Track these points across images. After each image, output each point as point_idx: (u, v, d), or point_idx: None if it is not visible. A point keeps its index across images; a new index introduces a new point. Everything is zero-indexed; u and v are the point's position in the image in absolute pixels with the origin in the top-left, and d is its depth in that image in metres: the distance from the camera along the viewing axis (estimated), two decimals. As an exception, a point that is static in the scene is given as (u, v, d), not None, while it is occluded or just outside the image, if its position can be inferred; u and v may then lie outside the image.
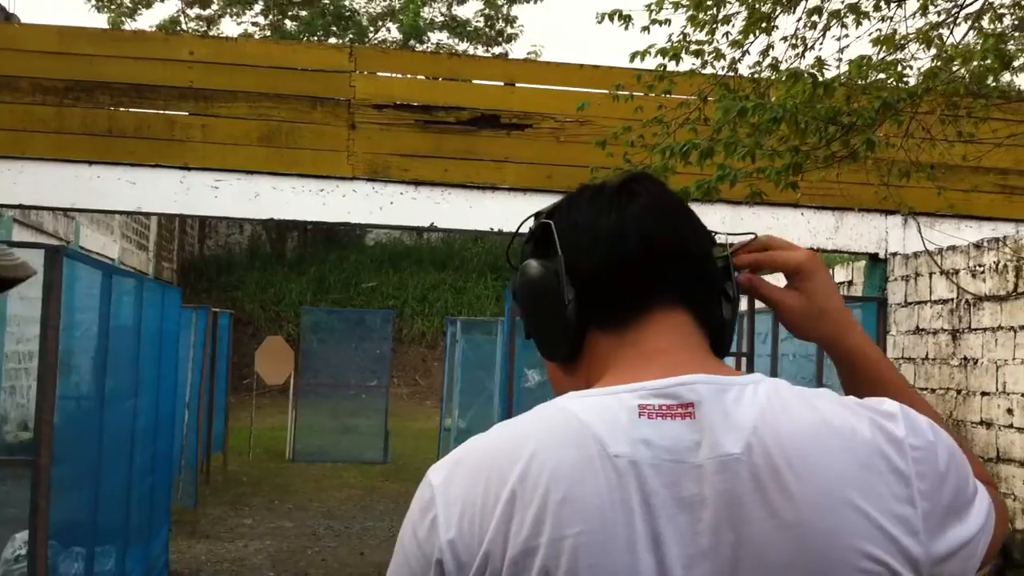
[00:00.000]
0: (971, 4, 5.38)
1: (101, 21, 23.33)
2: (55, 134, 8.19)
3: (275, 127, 8.43)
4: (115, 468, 5.89)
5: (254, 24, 24.23)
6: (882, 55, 5.40)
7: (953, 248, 7.94)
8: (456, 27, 24.21)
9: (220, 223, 24.34)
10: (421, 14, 23.27)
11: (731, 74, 5.96)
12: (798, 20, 5.88)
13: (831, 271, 7.61)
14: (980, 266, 7.55)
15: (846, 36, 5.76)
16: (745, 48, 5.84)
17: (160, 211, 8.89)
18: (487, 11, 24.16)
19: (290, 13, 24.25)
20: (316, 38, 22.88)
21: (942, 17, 5.37)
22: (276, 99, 8.46)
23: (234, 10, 23.80)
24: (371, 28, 24.46)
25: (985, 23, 5.39)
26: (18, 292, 6.53)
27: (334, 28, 23.77)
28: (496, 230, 8.67)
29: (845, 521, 1.05)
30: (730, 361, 3.40)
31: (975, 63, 4.74)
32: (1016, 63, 5.67)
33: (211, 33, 22.74)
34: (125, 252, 16.63)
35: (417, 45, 23.52)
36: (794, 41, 5.92)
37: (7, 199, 8.17)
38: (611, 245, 1.20)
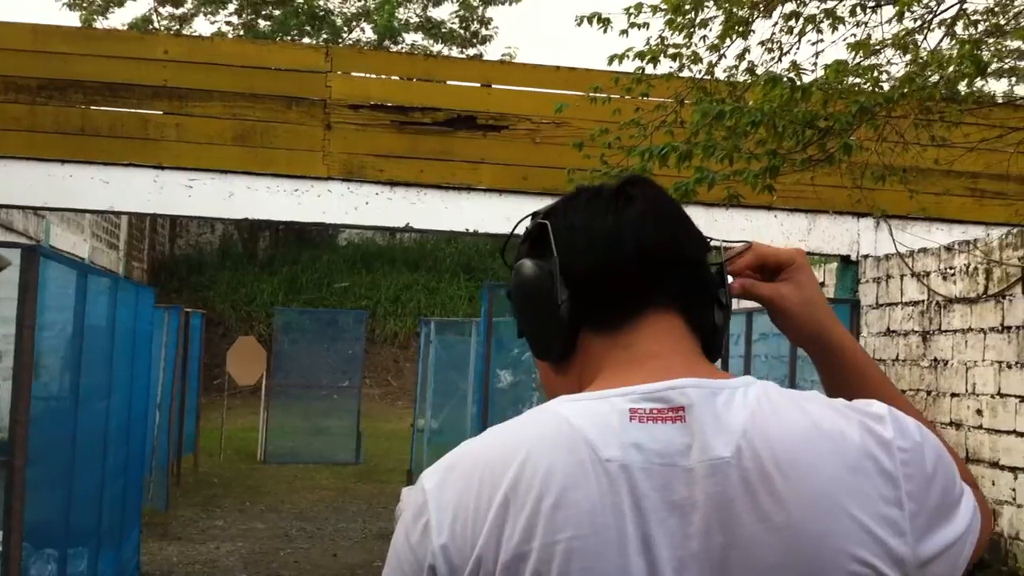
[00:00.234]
0: (945, 11, 5.45)
1: (73, 19, 23.13)
2: (27, 132, 8.13)
3: (250, 127, 8.41)
4: (88, 469, 5.85)
5: (228, 23, 24.13)
6: (858, 60, 5.45)
7: (924, 251, 8.03)
8: (431, 28, 24.20)
9: (191, 222, 24.19)
10: (396, 15, 23.24)
11: (708, 77, 6.00)
12: (774, 25, 5.93)
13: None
14: (951, 268, 7.63)
15: (821, 41, 5.82)
16: (722, 52, 5.89)
17: (133, 210, 8.84)
18: (462, 12, 24.16)
19: (264, 12, 24.15)
20: (290, 38, 22.81)
21: (917, 23, 5.43)
22: (251, 99, 8.44)
23: (207, 9, 23.68)
24: (345, 28, 24.41)
25: (959, 29, 5.46)
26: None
27: (308, 28, 23.69)
28: (472, 231, 8.68)
29: (834, 524, 1.06)
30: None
31: (951, 69, 4.80)
32: (991, 69, 5.73)
33: (184, 32, 22.60)
34: (95, 251, 16.49)
35: (392, 46, 23.49)
36: (770, 45, 5.97)
37: (-22, 197, 8.11)
38: (607, 248, 1.20)
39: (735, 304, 1.35)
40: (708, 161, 5.49)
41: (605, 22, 6.03)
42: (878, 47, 5.49)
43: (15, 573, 4.38)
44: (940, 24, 5.55)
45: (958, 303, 7.49)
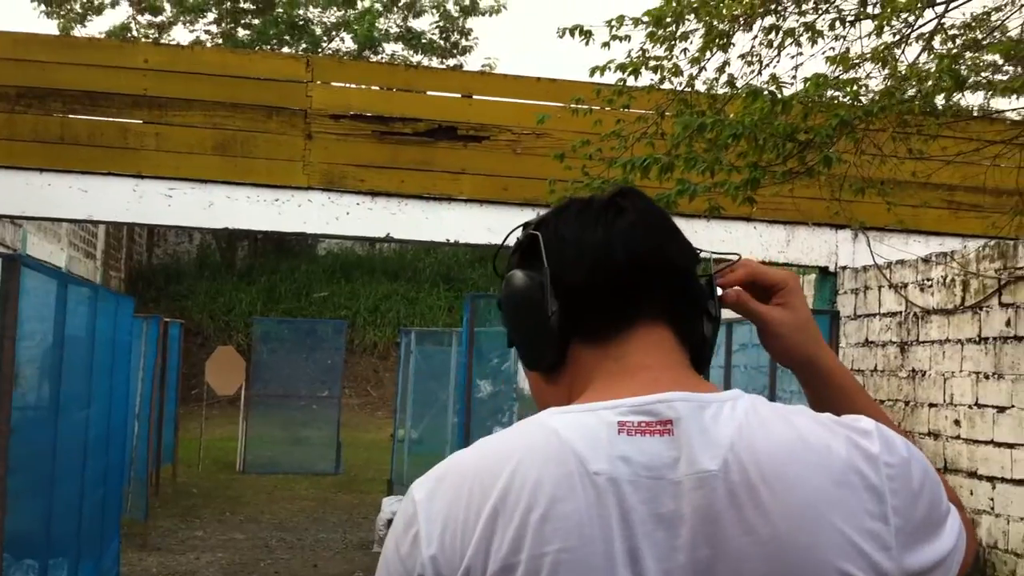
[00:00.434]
0: (923, 25, 5.51)
1: (51, 27, 23.02)
2: (5, 141, 8.08)
3: (230, 136, 8.39)
4: (68, 479, 5.82)
5: (207, 32, 24.06)
6: (837, 73, 5.50)
7: (902, 262, 8.09)
8: (411, 39, 24.20)
9: (169, 231, 24.08)
10: (376, 25, 23.24)
11: (689, 90, 6.04)
12: (754, 38, 5.98)
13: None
14: (928, 280, 7.70)
15: (801, 54, 5.87)
16: (703, 65, 5.93)
17: (112, 220, 8.79)
18: (442, 23, 24.19)
19: (243, 21, 24.10)
20: (270, 47, 22.77)
21: (896, 37, 5.49)
22: (231, 108, 8.42)
23: (186, 18, 23.61)
24: (325, 38, 24.38)
25: (937, 44, 5.52)
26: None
27: (287, 37, 23.66)
28: (452, 241, 8.69)
29: (820, 537, 1.07)
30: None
31: (930, 83, 4.85)
32: (968, 83, 5.80)
33: (163, 41, 22.53)
34: (72, 260, 16.39)
35: (372, 56, 23.48)
36: (751, 59, 6.01)
37: (-44, 206, 8.05)
38: (597, 260, 1.21)
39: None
40: (689, 173, 5.52)
41: (587, 34, 6.06)
42: (857, 61, 5.55)
43: (-6, 584, 4.35)
44: (918, 38, 5.62)
45: (935, 314, 7.55)
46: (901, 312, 8.00)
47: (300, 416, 15.33)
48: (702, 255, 1.32)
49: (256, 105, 8.44)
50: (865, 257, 8.53)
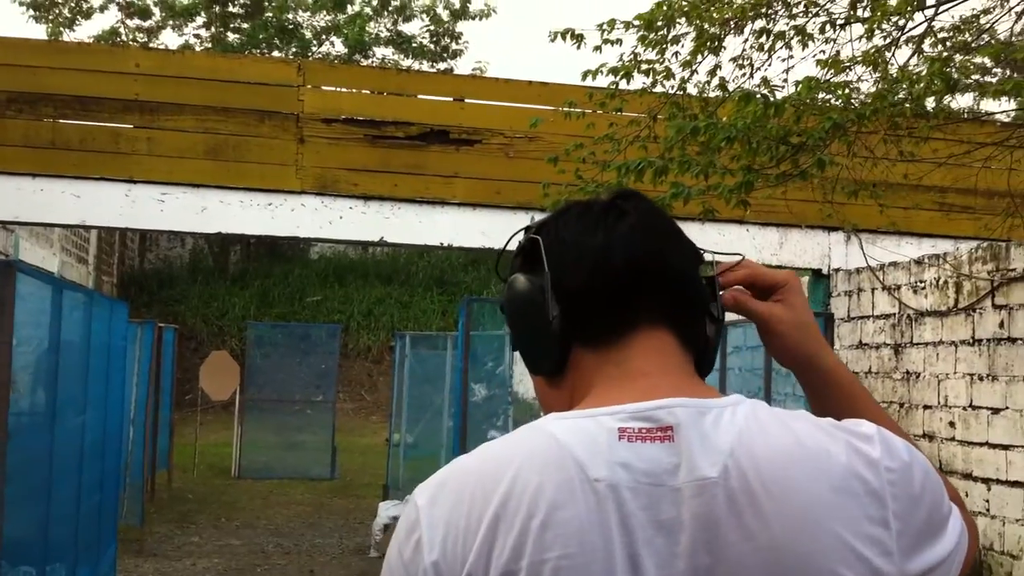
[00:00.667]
0: (913, 28, 5.54)
1: (40, 31, 22.98)
2: (-4, 146, 8.08)
3: (222, 140, 8.39)
4: (64, 485, 5.82)
5: (196, 36, 24.05)
6: (829, 76, 5.53)
7: (895, 264, 8.12)
8: (401, 43, 24.21)
9: (161, 236, 24.04)
10: (366, 29, 23.25)
11: (681, 93, 6.06)
12: (745, 41, 6.00)
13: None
14: (921, 282, 7.73)
15: (792, 58, 5.90)
16: (694, 68, 5.95)
17: (105, 225, 8.79)
18: (432, 27, 24.20)
19: (233, 25, 24.09)
20: (259, 51, 22.76)
21: (886, 41, 5.51)
22: (223, 112, 8.42)
23: (175, 22, 23.59)
24: (315, 42, 24.38)
25: (927, 47, 5.55)
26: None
27: (277, 41, 23.65)
28: (446, 245, 8.70)
29: (819, 544, 1.07)
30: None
31: (921, 85, 4.87)
32: (960, 86, 5.83)
33: (151, 45, 22.50)
34: (65, 266, 16.36)
35: (362, 60, 23.48)
36: (742, 62, 6.04)
37: (-52, 212, 8.04)
38: (597, 263, 1.20)
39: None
40: (683, 176, 5.54)
41: (579, 38, 6.08)
42: (848, 64, 5.57)
43: (-9, 592, 4.34)
44: (908, 41, 5.64)
45: (929, 316, 7.58)
46: (894, 314, 8.02)
47: (295, 421, 15.32)
48: (705, 256, 1.30)
49: (248, 109, 8.44)
50: (858, 259, 8.55)
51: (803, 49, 5.84)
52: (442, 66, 24.28)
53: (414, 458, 12.13)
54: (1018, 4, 5.74)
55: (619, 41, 6.01)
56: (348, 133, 8.56)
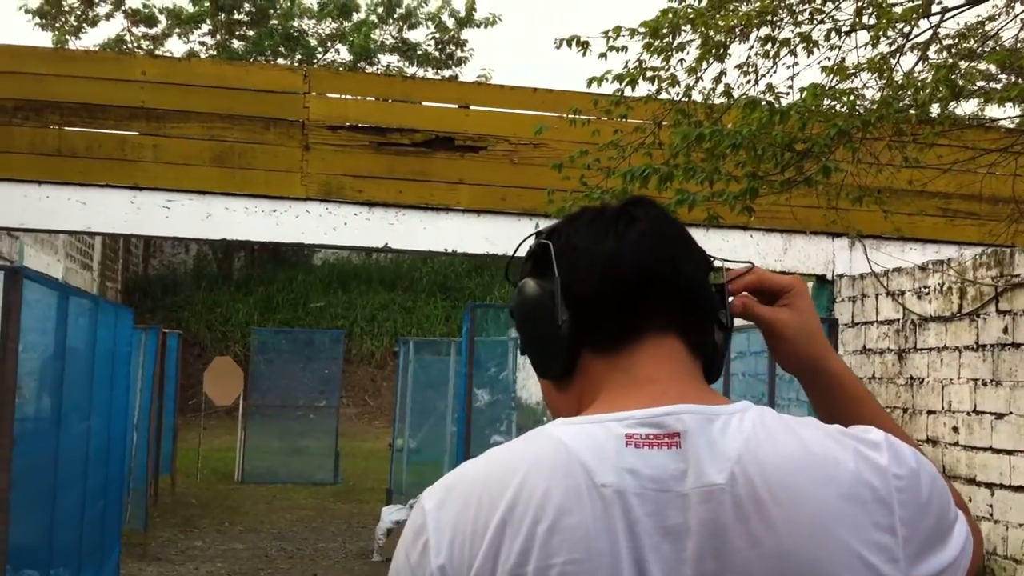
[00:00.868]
0: (919, 35, 5.54)
1: (46, 39, 23.04)
2: (3, 153, 8.10)
3: (228, 147, 8.41)
4: (69, 490, 5.83)
5: (201, 43, 24.08)
6: (834, 83, 5.54)
7: (899, 270, 8.13)
8: (406, 50, 24.25)
9: (165, 242, 24.07)
10: (371, 36, 23.28)
11: (686, 100, 6.07)
12: (750, 48, 6.01)
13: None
14: (925, 287, 7.73)
15: (796, 64, 5.91)
16: (699, 75, 5.96)
17: (110, 231, 8.81)
18: (437, 35, 24.23)
19: (238, 33, 24.13)
20: (264, 58, 22.81)
21: (892, 47, 5.52)
22: (229, 119, 8.45)
23: (181, 29, 23.64)
24: (320, 49, 24.42)
25: (932, 53, 5.56)
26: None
27: (283, 48, 23.69)
28: (450, 251, 8.71)
29: (826, 551, 1.07)
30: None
31: (926, 92, 4.88)
32: (965, 92, 5.84)
33: (157, 52, 22.55)
34: (69, 272, 16.39)
35: (367, 67, 23.51)
36: (747, 69, 6.05)
37: (-45, 218, 8.07)
38: (607, 270, 1.21)
39: None
40: (688, 183, 5.55)
41: (584, 45, 6.09)
42: (853, 71, 5.58)
43: (-3, 596, 4.35)
44: (913, 48, 5.65)
45: (933, 322, 7.58)
46: (898, 320, 8.03)
47: (298, 426, 15.33)
48: (715, 263, 1.31)
49: (253, 116, 8.47)
50: (862, 265, 8.56)
51: (808, 56, 5.85)
52: (447, 73, 24.31)
53: (417, 463, 12.14)
54: (1023, 11, 5.75)
55: (624, 48, 6.03)
56: (353, 140, 8.59)
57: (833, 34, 5.72)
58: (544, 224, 1.34)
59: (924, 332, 7.69)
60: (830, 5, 5.77)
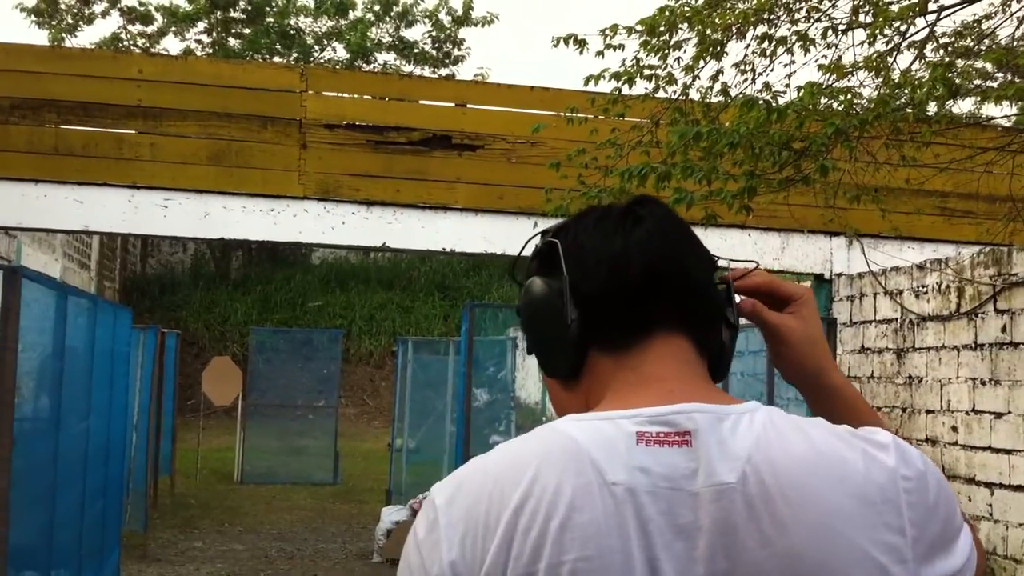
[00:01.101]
0: (915, 33, 5.55)
1: (42, 38, 23.01)
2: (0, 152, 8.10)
3: (225, 146, 8.41)
4: (69, 491, 5.82)
5: (197, 41, 24.07)
6: (831, 82, 5.54)
7: (897, 269, 8.13)
8: (403, 48, 24.24)
9: (163, 241, 24.06)
10: (368, 34, 23.28)
11: (683, 98, 6.07)
12: (747, 47, 6.01)
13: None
14: (923, 287, 7.73)
15: (793, 63, 5.91)
16: (696, 73, 5.96)
17: (108, 230, 8.81)
18: (434, 33, 24.23)
19: (234, 31, 24.12)
20: (261, 57, 22.80)
21: (888, 46, 5.52)
22: (226, 118, 8.45)
23: (177, 27, 23.63)
24: (316, 47, 24.41)
25: (929, 52, 5.56)
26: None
27: (279, 47, 23.69)
28: (448, 250, 8.71)
29: (837, 550, 1.07)
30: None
31: (923, 91, 4.89)
32: (961, 91, 5.85)
33: (153, 50, 22.54)
34: (67, 271, 16.38)
35: (364, 65, 23.51)
36: (744, 67, 6.05)
37: (-49, 218, 8.07)
38: (614, 269, 1.21)
39: None
40: (686, 182, 5.55)
41: (581, 43, 6.09)
42: (850, 69, 5.58)
43: (-4, 597, 4.35)
44: (910, 47, 5.65)
45: (931, 321, 7.59)
46: (897, 319, 8.03)
47: (297, 426, 15.32)
48: (720, 262, 1.31)
49: (251, 115, 8.47)
50: (860, 264, 8.56)
51: (805, 54, 5.86)
52: (444, 72, 24.31)
53: (416, 463, 12.14)
54: (1020, 9, 5.75)
55: (622, 46, 6.03)
56: (350, 138, 8.59)
57: (830, 32, 5.73)
58: (542, 223, 1.34)
59: (922, 331, 7.69)
60: (827, 3, 5.77)
